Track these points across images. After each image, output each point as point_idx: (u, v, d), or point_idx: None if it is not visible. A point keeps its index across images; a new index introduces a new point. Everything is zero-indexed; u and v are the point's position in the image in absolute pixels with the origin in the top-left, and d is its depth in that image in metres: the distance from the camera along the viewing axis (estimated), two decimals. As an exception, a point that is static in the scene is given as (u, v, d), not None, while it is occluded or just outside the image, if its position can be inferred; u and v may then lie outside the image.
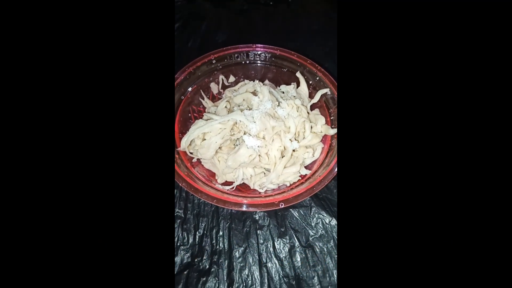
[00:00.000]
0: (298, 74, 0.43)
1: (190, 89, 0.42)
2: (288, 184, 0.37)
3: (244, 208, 0.32)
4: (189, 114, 0.43)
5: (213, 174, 0.39)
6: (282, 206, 0.32)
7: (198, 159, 0.39)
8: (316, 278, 0.37)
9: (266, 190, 0.37)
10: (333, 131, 0.39)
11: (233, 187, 0.37)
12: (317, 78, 0.41)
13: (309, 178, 0.37)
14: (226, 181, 0.39)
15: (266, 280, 0.37)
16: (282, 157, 0.37)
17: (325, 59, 0.53)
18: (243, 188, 0.39)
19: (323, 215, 0.40)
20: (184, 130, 0.40)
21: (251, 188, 0.38)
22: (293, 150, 0.38)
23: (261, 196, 0.34)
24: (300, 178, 0.38)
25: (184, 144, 0.37)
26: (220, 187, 0.36)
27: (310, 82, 0.43)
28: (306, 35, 0.59)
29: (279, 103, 0.40)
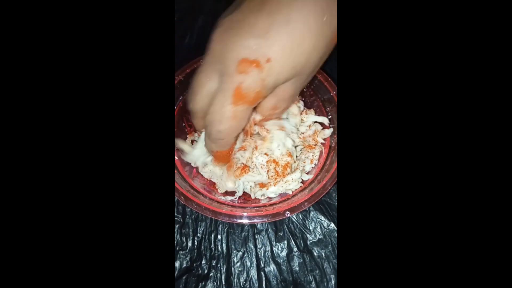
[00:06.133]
0: None
1: (181, 97, 0.40)
2: (290, 192, 0.37)
3: (245, 220, 0.32)
4: (183, 124, 0.42)
5: (213, 184, 0.39)
6: (288, 215, 0.32)
7: (197, 170, 0.39)
8: (313, 283, 0.37)
9: (268, 197, 0.37)
10: (329, 132, 0.38)
11: (236, 198, 0.37)
12: (316, 81, 0.40)
13: (311, 182, 0.36)
14: (226, 191, 0.38)
15: (264, 285, 0.38)
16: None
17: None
18: (244, 195, 0.38)
19: (321, 219, 0.40)
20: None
21: (252, 197, 0.37)
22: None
23: (265, 206, 0.34)
24: (302, 184, 0.38)
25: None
26: (222, 198, 0.36)
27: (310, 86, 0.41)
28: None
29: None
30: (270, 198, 0.36)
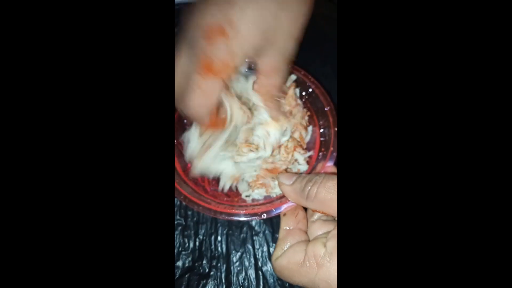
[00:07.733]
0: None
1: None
2: (274, 195, 0.39)
3: (242, 218, 0.35)
4: (185, 121, 0.44)
5: (203, 179, 0.41)
6: (265, 217, 0.34)
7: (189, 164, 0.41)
8: (308, 281, 0.40)
9: (253, 199, 0.39)
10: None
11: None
12: (310, 90, 0.42)
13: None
14: (216, 188, 0.41)
15: (261, 283, 0.40)
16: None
17: (322, 66, 0.53)
18: (232, 193, 0.40)
19: (316, 221, 0.42)
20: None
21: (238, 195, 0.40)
22: None
23: (247, 206, 0.36)
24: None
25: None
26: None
27: (303, 93, 0.43)
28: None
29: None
30: (256, 200, 0.39)
